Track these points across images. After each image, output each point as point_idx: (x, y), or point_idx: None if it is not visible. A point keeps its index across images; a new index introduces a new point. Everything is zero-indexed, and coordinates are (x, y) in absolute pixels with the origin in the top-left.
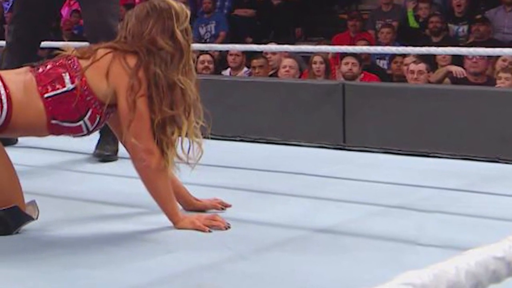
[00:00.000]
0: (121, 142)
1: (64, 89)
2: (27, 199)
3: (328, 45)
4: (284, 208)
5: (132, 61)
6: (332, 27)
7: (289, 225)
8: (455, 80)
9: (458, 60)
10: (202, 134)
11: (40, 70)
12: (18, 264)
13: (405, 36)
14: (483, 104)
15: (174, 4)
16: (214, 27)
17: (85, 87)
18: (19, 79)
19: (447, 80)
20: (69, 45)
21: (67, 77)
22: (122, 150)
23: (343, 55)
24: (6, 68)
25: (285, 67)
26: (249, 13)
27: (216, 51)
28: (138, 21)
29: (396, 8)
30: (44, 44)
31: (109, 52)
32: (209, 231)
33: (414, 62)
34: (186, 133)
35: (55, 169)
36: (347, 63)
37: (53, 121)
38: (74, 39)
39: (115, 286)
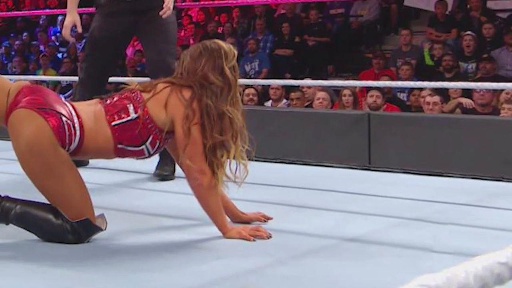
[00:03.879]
0: (177, 163)
1: (129, 118)
2: (96, 212)
3: (356, 80)
4: (318, 220)
5: (187, 94)
6: (359, 64)
7: (322, 235)
8: (465, 110)
9: (467, 93)
10: (247, 157)
11: (108, 101)
12: (89, 269)
13: (422, 73)
14: (489, 131)
15: (223, 44)
16: (258, 64)
17: (147, 116)
18: (90, 109)
19: (458, 110)
20: (133, 80)
21: (131, 108)
22: (178, 170)
23: (369, 88)
24: (78, 100)
25: (318, 99)
26: (288, 53)
27: (259, 85)
28: (192, 59)
29: (414, 48)
30: (111, 79)
31: (167, 86)
32: (254, 240)
33: (429, 95)
34: (234, 156)
35: (121, 187)
36: (372, 96)
37: (119, 146)
38: (137, 75)
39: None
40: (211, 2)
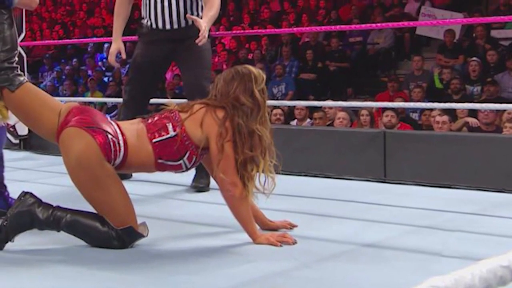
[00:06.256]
0: (212, 176)
1: (168, 135)
2: (139, 220)
3: (372, 102)
4: (339, 228)
5: (220, 114)
6: (376, 87)
7: (343, 241)
8: (471, 129)
9: (473, 113)
10: (275, 170)
11: (149, 121)
12: (132, 271)
13: (432, 95)
14: (492, 147)
15: (253, 69)
16: (284, 87)
17: (184, 134)
18: (133, 128)
19: (464, 128)
20: (171, 102)
21: (170, 126)
22: (213, 183)
23: (384, 109)
24: (123, 119)
25: (339, 118)
26: (311, 77)
27: (285, 106)
28: (225, 83)
29: (425, 73)
30: (152, 101)
31: (203, 107)
32: (280, 246)
33: (439, 114)
34: (263, 170)
35: (161, 198)
36: (387, 115)
37: (159, 161)
38: (176, 97)
39: None
40: (242, 31)
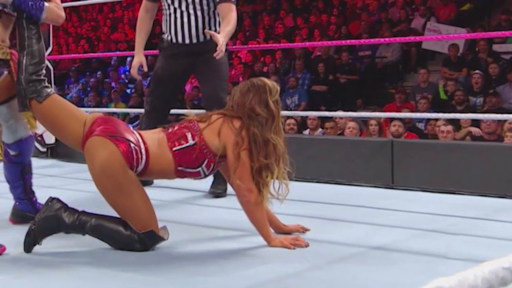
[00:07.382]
0: (229, 183)
1: (187, 144)
2: (160, 224)
3: (381, 112)
4: (349, 231)
5: (237, 123)
6: (384, 98)
7: (353, 243)
8: (474, 138)
9: (476, 123)
10: (288, 177)
11: (170, 130)
12: (153, 272)
13: (437, 105)
14: (494, 155)
15: (268, 81)
16: (297, 98)
17: (203, 143)
18: (154, 137)
19: (468, 138)
20: (190, 112)
21: (189, 135)
22: (229, 189)
23: (392, 119)
24: (144, 129)
25: (349, 128)
26: (323, 89)
27: (298, 116)
28: (242, 94)
29: (431, 85)
30: (172, 111)
31: (220, 117)
32: (294, 248)
33: (443, 124)
34: (277, 176)
35: (181, 203)
36: (394, 125)
37: (179, 168)
38: (195, 108)
39: None
40: (257, 45)
